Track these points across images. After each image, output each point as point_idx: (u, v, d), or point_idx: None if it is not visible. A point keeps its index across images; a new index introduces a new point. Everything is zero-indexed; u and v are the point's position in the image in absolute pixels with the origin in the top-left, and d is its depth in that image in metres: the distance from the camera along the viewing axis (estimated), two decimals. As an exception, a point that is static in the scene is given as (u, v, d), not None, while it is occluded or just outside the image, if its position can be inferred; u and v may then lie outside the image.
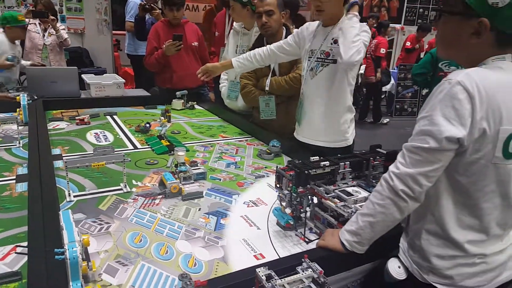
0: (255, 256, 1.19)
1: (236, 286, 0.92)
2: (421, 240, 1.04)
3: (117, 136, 2.24)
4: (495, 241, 1.02)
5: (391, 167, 1.01)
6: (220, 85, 2.84)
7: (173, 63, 3.02)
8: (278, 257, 1.18)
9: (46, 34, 4.07)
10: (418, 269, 1.05)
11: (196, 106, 3.00)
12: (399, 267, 1.09)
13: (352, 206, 1.18)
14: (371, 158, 1.36)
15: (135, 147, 2.08)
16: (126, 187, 1.56)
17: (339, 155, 1.39)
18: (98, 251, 1.16)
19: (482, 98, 0.90)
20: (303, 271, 0.94)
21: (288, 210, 1.34)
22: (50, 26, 4.03)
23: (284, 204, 1.33)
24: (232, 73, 2.70)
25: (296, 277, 0.91)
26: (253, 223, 1.37)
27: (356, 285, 1.17)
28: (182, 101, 2.90)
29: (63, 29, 4.21)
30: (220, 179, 1.72)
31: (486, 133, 0.91)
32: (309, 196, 1.30)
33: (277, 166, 1.32)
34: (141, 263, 1.11)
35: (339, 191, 1.25)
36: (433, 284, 1.02)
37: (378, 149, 1.43)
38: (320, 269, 0.95)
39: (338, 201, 1.22)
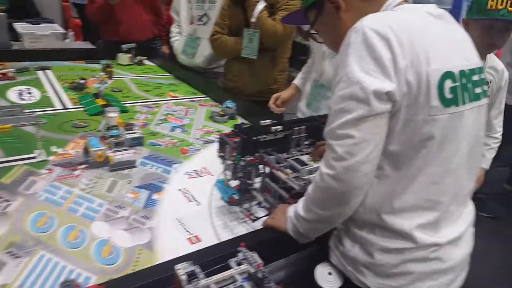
0: (189, 239, 0.98)
1: (146, 289, 0.71)
2: (363, 228, 0.81)
3: (45, 93, 1.92)
4: (448, 221, 0.80)
5: (323, 169, 0.75)
6: (171, 39, 2.52)
7: (119, 13, 2.64)
8: (218, 241, 0.98)
9: None
10: (354, 270, 0.82)
11: (146, 62, 2.68)
12: (329, 273, 0.86)
13: (306, 177, 0.98)
14: None
15: (65, 106, 1.78)
16: (41, 154, 1.29)
17: (294, 118, 1.18)
18: (-14, 239, 0.91)
19: (399, 39, 0.70)
20: (238, 265, 0.74)
21: (234, 183, 1.13)
22: None
23: (228, 176, 1.11)
24: (187, 26, 2.39)
25: (227, 274, 0.71)
26: (193, 198, 1.16)
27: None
28: (129, 55, 2.56)
29: None
30: (161, 145, 1.47)
31: (414, 82, 0.70)
32: (259, 166, 1.09)
33: (220, 131, 1.10)
34: (40, 254, 0.88)
35: (292, 159, 1.05)
36: None
37: None
38: (259, 260, 0.75)
39: (291, 171, 1.02)
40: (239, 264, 0.76)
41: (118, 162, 1.29)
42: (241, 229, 1.03)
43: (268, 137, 1.07)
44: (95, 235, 0.96)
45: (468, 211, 0.87)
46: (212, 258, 0.79)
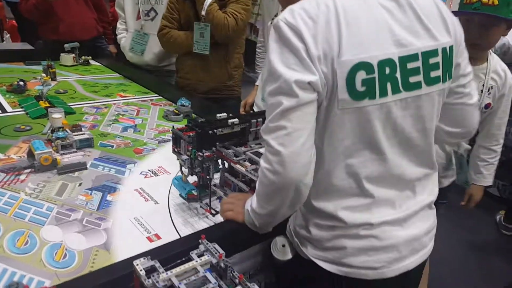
0: (148, 238, 0.96)
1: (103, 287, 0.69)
2: (302, 205, 0.84)
3: (-20, 97, 1.78)
4: (384, 206, 0.80)
5: (262, 164, 0.75)
6: (118, 36, 2.43)
7: (58, 10, 2.50)
8: (179, 237, 0.97)
9: None
10: (298, 242, 0.86)
11: (92, 62, 2.58)
12: (283, 245, 0.90)
13: None
14: None
15: (4, 110, 1.67)
16: (-21, 161, 1.20)
17: (251, 111, 1.18)
18: None
19: (312, 30, 0.69)
20: (199, 257, 0.74)
21: (192, 179, 1.12)
22: None
23: (185, 172, 1.10)
24: (134, 22, 2.32)
25: (188, 266, 0.71)
26: (149, 197, 1.13)
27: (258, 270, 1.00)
28: (73, 55, 2.45)
29: None
30: (112, 146, 1.42)
31: (328, 74, 0.70)
32: (218, 161, 1.09)
33: (173, 126, 1.08)
34: (-15, 263, 0.82)
35: (250, 152, 1.06)
36: (313, 259, 0.82)
37: None
38: (221, 251, 0.75)
39: (250, 164, 1.02)
40: (200, 256, 0.76)
41: (67, 164, 1.23)
42: (203, 224, 1.03)
43: (224, 131, 1.07)
44: (46, 240, 0.91)
45: (422, 195, 0.85)
46: (173, 253, 0.78)
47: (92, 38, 2.71)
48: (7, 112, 1.65)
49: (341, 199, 0.79)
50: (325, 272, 0.81)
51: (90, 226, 0.98)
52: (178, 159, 1.09)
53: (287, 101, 0.70)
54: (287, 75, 0.69)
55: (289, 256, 0.88)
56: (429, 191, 0.87)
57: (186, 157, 1.05)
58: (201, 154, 1.02)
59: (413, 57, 0.74)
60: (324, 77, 0.70)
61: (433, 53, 0.76)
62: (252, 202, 0.85)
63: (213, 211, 1.07)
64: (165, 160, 1.35)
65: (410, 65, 0.74)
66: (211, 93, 2.02)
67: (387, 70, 0.72)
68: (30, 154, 1.23)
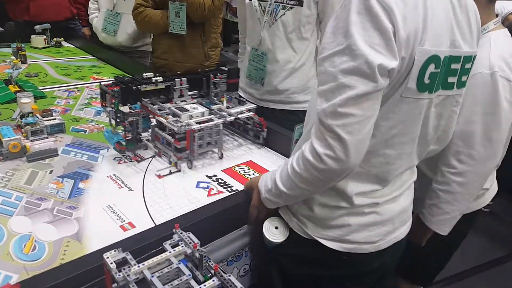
0: (122, 226, 0.93)
1: (71, 282, 0.67)
2: None
3: None
4: (388, 188, 0.84)
5: (320, 150, 0.68)
6: (90, 16, 2.34)
7: (28, -11, 2.39)
8: (154, 225, 0.95)
9: None
10: (298, 221, 0.85)
11: (65, 43, 2.48)
12: (276, 227, 0.89)
13: (185, 121, 1.13)
14: (212, 75, 1.30)
15: (-30, 95, 1.59)
16: None
17: (178, 72, 1.32)
18: None
19: (401, 9, 0.63)
20: (173, 247, 0.72)
21: (122, 132, 1.21)
22: None
23: (113, 123, 1.19)
24: (106, 1, 2.22)
25: (161, 257, 0.69)
26: (123, 184, 1.10)
27: (242, 254, 1.00)
28: (44, 37, 2.34)
29: None
30: (85, 131, 1.38)
31: (405, 59, 0.66)
32: (151, 118, 1.22)
33: (100, 83, 1.17)
34: None
35: (175, 107, 1.19)
36: (316, 238, 0.82)
37: (222, 67, 1.37)
38: (196, 240, 0.74)
39: (171, 117, 1.15)
40: (174, 246, 0.74)
41: (37, 151, 1.18)
42: (179, 211, 1.00)
43: (148, 87, 1.17)
44: (15, 231, 0.88)
45: (411, 174, 0.90)
46: (146, 244, 0.76)
47: (65, 19, 2.60)
48: (-27, 97, 1.57)
49: (358, 182, 0.79)
50: (324, 249, 0.82)
51: (61, 215, 0.94)
52: (104, 112, 1.18)
53: (363, 85, 0.64)
54: (370, 56, 0.63)
55: (284, 237, 0.87)
56: (412, 172, 0.92)
57: (110, 109, 1.13)
58: (132, 110, 1.14)
59: (457, 59, 0.75)
60: (400, 63, 0.65)
61: (469, 59, 0.78)
62: (277, 185, 0.81)
63: (138, 159, 1.19)
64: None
65: (453, 66, 0.75)
66: (188, 74, 1.97)
67: (444, 67, 0.72)
68: (-3, 141, 1.18)
